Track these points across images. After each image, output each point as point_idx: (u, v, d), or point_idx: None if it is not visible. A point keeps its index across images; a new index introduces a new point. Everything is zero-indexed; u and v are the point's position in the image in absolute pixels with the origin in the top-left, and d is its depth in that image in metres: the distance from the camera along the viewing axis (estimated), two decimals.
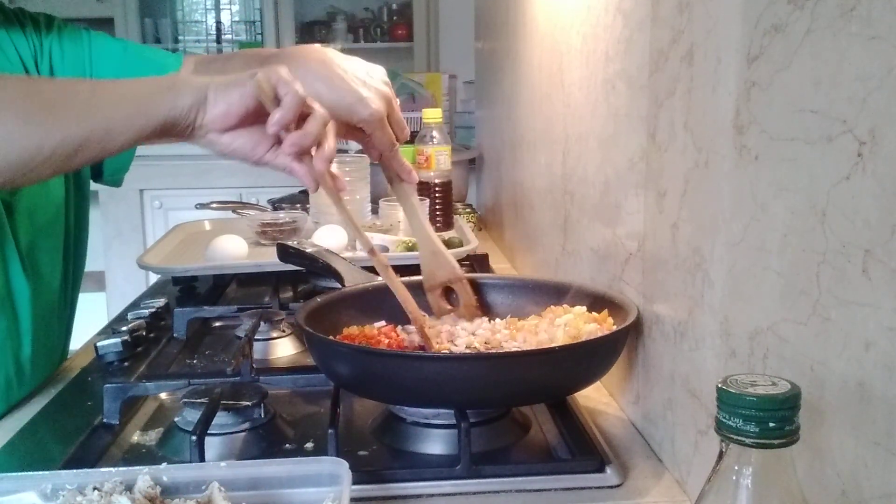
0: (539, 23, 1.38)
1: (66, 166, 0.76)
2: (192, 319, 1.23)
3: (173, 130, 0.76)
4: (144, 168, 3.37)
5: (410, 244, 1.44)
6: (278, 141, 0.79)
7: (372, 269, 1.10)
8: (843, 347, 0.50)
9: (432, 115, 1.69)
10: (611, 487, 0.77)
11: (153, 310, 1.25)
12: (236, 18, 3.96)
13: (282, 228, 1.56)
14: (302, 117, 0.79)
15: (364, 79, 0.96)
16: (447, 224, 1.67)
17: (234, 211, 1.78)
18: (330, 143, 0.82)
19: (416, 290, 0.99)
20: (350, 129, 0.96)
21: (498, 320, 0.99)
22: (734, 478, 0.42)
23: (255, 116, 0.77)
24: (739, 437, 0.42)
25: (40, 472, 0.65)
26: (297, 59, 0.97)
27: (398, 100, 1.03)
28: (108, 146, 0.75)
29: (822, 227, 0.52)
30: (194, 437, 0.78)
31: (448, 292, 1.01)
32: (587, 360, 0.83)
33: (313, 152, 0.81)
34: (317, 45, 1.05)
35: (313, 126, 0.79)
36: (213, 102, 0.76)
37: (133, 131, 0.75)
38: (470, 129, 2.56)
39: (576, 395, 0.92)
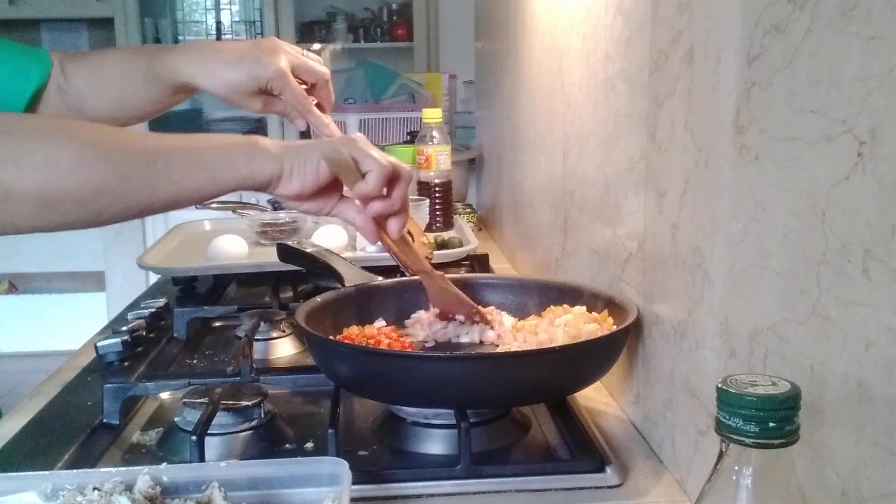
0: (539, 23, 1.38)
1: (116, 221, 0.77)
2: (192, 319, 1.23)
3: (234, 191, 0.79)
4: None
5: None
6: (343, 195, 0.82)
7: (371, 270, 1.11)
8: (843, 347, 0.50)
9: (432, 115, 1.69)
10: (611, 487, 0.77)
11: (153, 310, 1.25)
12: (236, 18, 3.96)
13: (282, 228, 1.56)
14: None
15: (252, 46, 0.97)
16: (447, 224, 1.67)
17: (234, 211, 1.78)
18: (406, 210, 0.85)
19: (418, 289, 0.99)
20: (269, 101, 0.98)
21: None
22: (734, 478, 0.42)
23: (324, 186, 0.80)
24: (739, 437, 0.42)
25: (40, 472, 0.65)
26: (190, 53, 0.97)
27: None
28: (170, 209, 0.77)
29: (822, 227, 0.52)
30: (194, 437, 0.78)
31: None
32: (587, 360, 0.83)
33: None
34: (202, 41, 1.07)
35: (399, 194, 0.82)
36: (288, 178, 0.78)
37: (201, 197, 0.77)
38: (470, 129, 2.56)
39: (576, 395, 0.92)
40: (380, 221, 0.84)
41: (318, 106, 1.01)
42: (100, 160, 0.72)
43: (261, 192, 0.80)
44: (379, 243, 0.89)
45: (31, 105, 1.01)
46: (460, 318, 0.95)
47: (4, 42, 1.05)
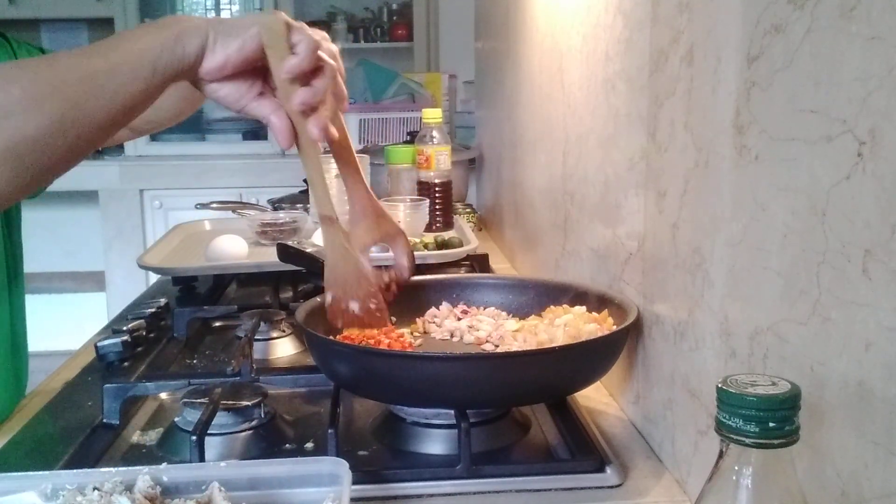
0: (539, 23, 1.38)
1: (88, 149, 0.74)
2: (192, 319, 1.23)
3: (174, 80, 0.74)
4: (144, 168, 3.41)
5: (411, 244, 1.44)
6: (262, 90, 0.76)
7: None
8: (843, 347, 0.50)
9: (432, 115, 1.69)
10: (611, 487, 0.77)
11: (153, 310, 1.25)
12: None
13: (282, 228, 1.56)
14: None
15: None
16: (447, 224, 1.67)
17: (234, 211, 1.78)
18: (328, 105, 0.77)
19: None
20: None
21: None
22: (734, 478, 0.42)
23: (249, 66, 0.75)
24: (739, 437, 0.42)
25: (40, 472, 0.65)
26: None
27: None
28: (130, 117, 0.74)
29: (822, 227, 0.52)
30: (194, 437, 0.78)
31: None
32: (587, 360, 0.83)
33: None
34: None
35: (323, 83, 0.76)
36: (212, 49, 0.73)
37: (149, 93, 0.73)
38: (470, 129, 2.56)
39: (576, 395, 0.92)
40: (297, 126, 0.76)
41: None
42: (47, 94, 0.69)
43: (189, 74, 0.74)
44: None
45: None
46: (353, 306, 0.81)
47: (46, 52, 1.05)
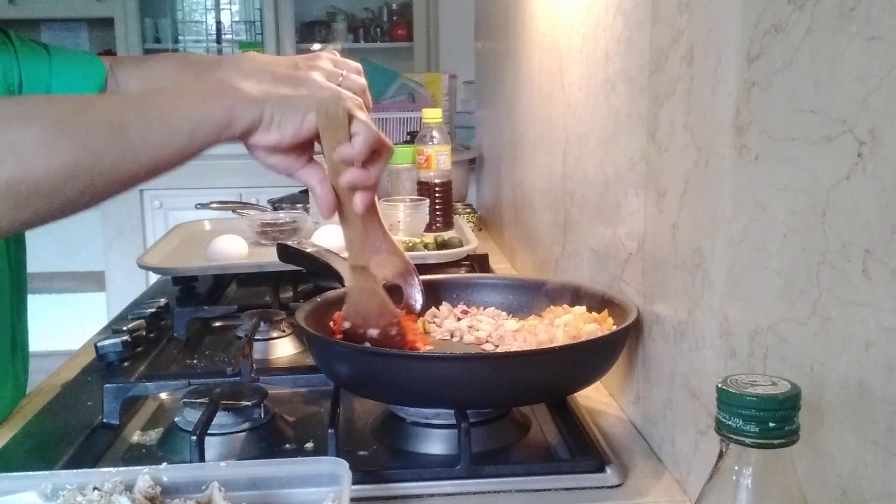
0: (539, 23, 1.38)
1: (100, 199, 0.71)
2: (192, 319, 1.23)
3: (214, 145, 0.72)
4: None
5: (410, 244, 1.45)
6: (311, 157, 0.76)
7: None
8: (843, 347, 0.50)
9: (432, 115, 1.69)
10: (611, 487, 0.77)
11: (153, 310, 1.25)
12: (236, 18, 3.96)
13: (282, 228, 1.56)
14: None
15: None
16: (447, 224, 1.67)
17: (234, 211, 1.78)
18: (376, 187, 0.78)
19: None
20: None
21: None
22: (734, 478, 0.42)
23: (302, 143, 0.74)
24: (739, 437, 0.42)
25: (40, 472, 0.65)
26: (238, 70, 0.92)
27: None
28: (152, 176, 0.71)
29: (822, 227, 0.52)
30: (194, 437, 0.78)
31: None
32: (587, 360, 0.83)
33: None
34: (251, 53, 0.99)
35: (377, 170, 0.77)
36: (267, 127, 0.71)
37: (183, 158, 0.71)
38: (470, 129, 2.56)
39: (576, 395, 0.92)
40: (340, 195, 0.77)
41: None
42: (66, 139, 0.66)
43: (238, 141, 0.72)
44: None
45: None
46: (373, 332, 0.84)
47: (61, 50, 1.04)
